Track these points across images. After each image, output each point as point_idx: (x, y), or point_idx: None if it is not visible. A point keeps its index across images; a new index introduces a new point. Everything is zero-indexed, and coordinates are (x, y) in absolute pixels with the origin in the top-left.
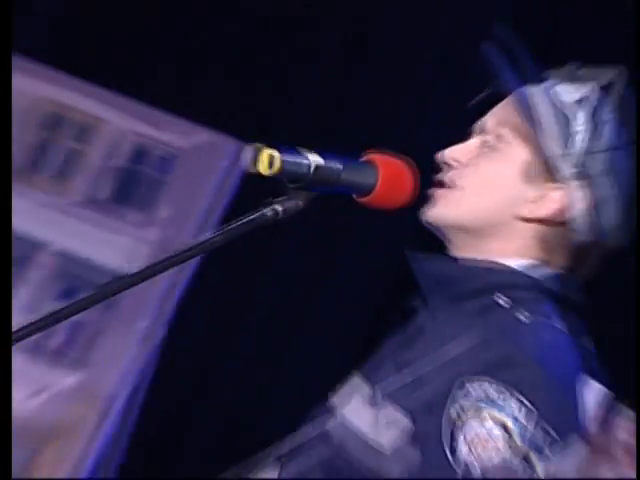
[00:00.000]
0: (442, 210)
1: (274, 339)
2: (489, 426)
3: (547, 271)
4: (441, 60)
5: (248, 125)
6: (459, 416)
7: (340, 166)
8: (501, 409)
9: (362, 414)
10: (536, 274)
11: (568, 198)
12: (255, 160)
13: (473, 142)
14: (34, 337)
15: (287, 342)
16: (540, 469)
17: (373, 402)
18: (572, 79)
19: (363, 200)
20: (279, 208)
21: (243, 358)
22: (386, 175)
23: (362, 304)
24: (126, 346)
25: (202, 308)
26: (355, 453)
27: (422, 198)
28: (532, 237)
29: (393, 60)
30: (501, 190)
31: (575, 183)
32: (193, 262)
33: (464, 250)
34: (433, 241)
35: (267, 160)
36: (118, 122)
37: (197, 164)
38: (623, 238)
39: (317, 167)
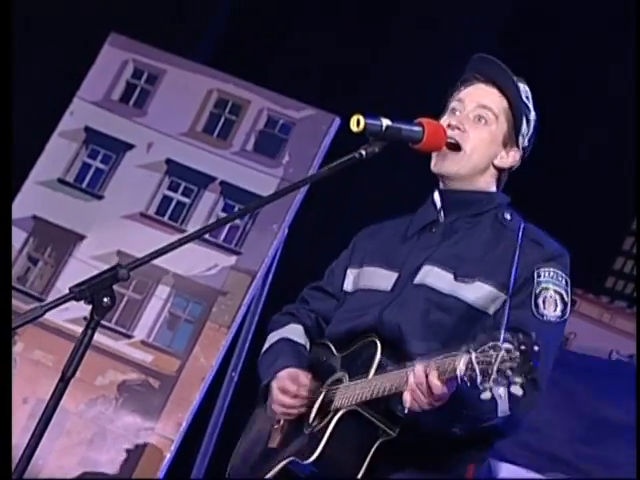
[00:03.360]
0: (451, 166)
1: None
2: (552, 294)
3: (500, 191)
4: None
5: (339, 104)
6: (538, 290)
7: (401, 125)
8: (557, 285)
9: (458, 288)
10: (500, 194)
11: (518, 156)
12: (350, 122)
13: (471, 115)
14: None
15: None
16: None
17: (461, 280)
18: (518, 78)
19: (415, 147)
20: (363, 152)
21: None
22: (429, 131)
23: None
24: (265, 240)
25: None
26: (463, 314)
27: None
28: (495, 175)
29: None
30: (489, 151)
31: (523, 147)
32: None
33: (459, 186)
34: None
35: (356, 121)
36: (259, 102)
37: (306, 128)
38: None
39: (387, 126)
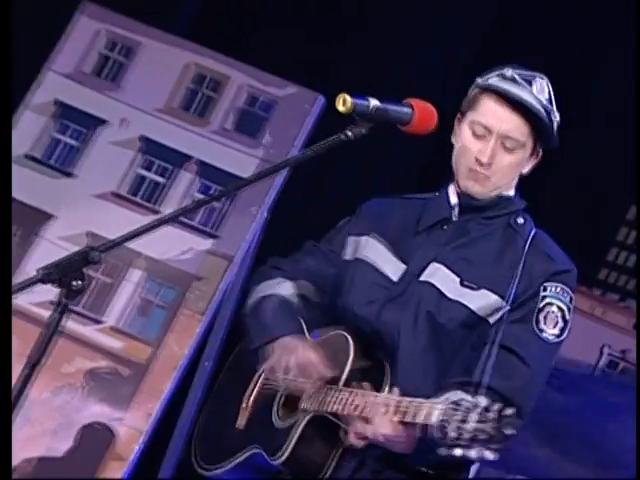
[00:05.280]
0: (481, 189)
1: None
2: (555, 310)
3: (517, 195)
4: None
5: (322, 82)
6: (542, 304)
7: (389, 106)
8: (562, 301)
9: (464, 295)
10: (517, 198)
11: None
12: (337, 101)
13: (495, 146)
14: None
15: None
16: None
17: (467, 286)
18: (539, 75)
19: (404, 129)
20: (349, 133)
21: None
22: (419, 112)
23: None
24: (243, 223)
25: None
26: (464, 320)
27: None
28: (516, 180)
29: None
30: (516, 171)
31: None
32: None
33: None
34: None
35: (342, 101)
36: (239, 79)
37: (289, 107)
38: None
39: (375, 107)
